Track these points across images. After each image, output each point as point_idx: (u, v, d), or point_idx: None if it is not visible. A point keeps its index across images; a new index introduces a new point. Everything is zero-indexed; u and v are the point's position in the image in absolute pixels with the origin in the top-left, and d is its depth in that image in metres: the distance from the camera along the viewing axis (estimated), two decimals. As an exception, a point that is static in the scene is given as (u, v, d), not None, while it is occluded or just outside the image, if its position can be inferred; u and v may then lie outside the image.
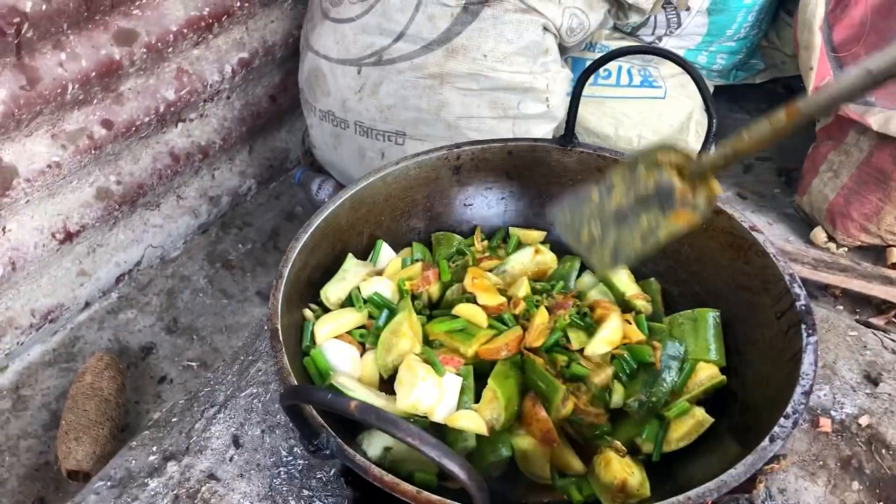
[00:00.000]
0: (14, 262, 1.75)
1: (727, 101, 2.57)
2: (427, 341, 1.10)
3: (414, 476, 0.95)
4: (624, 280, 1.22)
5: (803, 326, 0.98)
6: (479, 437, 1.01)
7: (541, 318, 1.11)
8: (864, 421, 1.22)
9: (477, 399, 1.03)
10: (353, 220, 1.24)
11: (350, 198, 1.21)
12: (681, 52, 2.21)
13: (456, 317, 1.11)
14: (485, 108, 1.81)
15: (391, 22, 1.79)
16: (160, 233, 2.17)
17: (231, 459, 1.17)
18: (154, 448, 1.21)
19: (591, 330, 1.11)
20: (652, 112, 2.09)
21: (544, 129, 1.88)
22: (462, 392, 1.02)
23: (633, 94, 2.11)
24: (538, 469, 1.02)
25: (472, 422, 0.99)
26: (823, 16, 1.90)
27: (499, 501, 0.77)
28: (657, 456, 1.02)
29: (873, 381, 1.28)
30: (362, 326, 1.14)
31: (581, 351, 1.09)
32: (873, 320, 1.78)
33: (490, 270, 1.25)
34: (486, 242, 1.34)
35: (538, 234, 1.34)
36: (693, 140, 2.08)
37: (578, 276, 1.27)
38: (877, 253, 2.02)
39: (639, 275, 1.26)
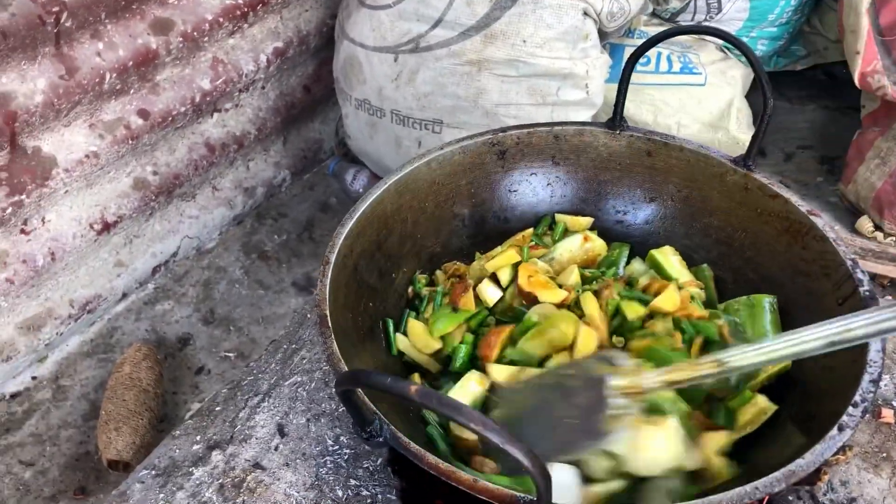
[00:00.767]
0: (54, 252, 1.75)
1: (767, 88, 2.52)
2: None
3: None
4: (676, 266, 1.19)
5: (868, 312, 0.94)
6: None
7: (591, 308, 1.08)
8: (926, 411, 1.18)
9: None
10: (397, 206, 1.21)
11: (395, 183, 1.19)
12: (721, 38, 2.16)
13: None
14: (523, 95, 1.78)
15: (429, 8, 1.76)
16: (196, 224, 2.16)
17: (276, 448, 1.16)
18: (198, 437, 1.20)
19: (645, 301, 1.08)
20: (691, 99, 2.04)
21: (583, 116, 1.84)
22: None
23: (672, 81, 2.06)
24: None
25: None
26: (871, -2, 1.84)
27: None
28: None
29: (934, 370, 1.24)
30: None
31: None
32: (924, 310, 1.73)
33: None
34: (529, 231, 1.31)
35: (586, 221, 1.31)
36: (735, 127, 2.04)
37: (628, 262, 1.24)
38: (926, 242, 1.96)
39: (690, 261, 1.22)
